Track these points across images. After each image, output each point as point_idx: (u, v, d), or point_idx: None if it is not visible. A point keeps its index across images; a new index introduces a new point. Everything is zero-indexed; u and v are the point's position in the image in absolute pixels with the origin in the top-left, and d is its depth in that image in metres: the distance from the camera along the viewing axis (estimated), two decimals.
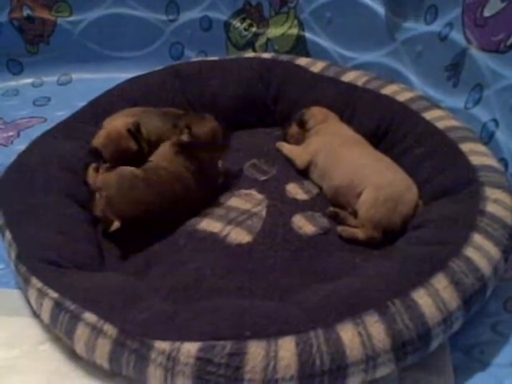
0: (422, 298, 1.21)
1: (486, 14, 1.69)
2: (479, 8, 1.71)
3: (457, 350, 1.34)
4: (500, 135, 1.67)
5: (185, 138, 1.65)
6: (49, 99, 2.51)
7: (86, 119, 1.97)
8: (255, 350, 1.11)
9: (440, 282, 1.24)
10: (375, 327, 1.16)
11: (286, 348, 1.12)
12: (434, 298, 1.22)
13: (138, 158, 1.65)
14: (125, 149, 1.65)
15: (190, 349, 1.13)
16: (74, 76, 2.63)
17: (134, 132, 1.67)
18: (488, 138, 1.70)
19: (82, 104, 2.10)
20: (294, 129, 1.91)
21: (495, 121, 1.69)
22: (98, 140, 1.65)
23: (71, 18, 2.57)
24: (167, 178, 1.61)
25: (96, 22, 2.58)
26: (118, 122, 1.71)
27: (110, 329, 1.22)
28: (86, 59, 2.60)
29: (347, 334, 1.14)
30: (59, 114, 2.28)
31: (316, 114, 1.87)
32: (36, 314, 1.41)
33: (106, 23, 2.57)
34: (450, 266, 1.27)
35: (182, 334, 1.16)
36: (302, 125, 1.86)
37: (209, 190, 1.70)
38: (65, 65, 2.61)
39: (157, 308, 1.26)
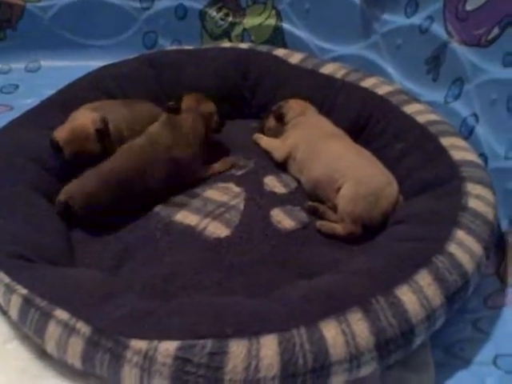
0: (405, 294, 1.19)
1: (468, 7, 1.68)
2: (461, 1, 1.70)
3: (437, 348, 1.32)
4: (480, 130, 1.66)
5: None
6: (16, 87, 2.42)
7: (54, 108, 1.88)
8: (237, 349, 1.07)
9: (424, 278, 1.22)
10: (359, 325, 1.13)
11: (269, 347, 1.08)
12: (417, 294, 1.20)
13: (97, 159, 1.60)
14: (87, 150, 1.60)
15: (168, 348, 1.09)
16: (43, 63, 2.54)
17: (102, 130, 1.61)
18: (468, 133, 1.69)
19: (51, 92, 2.02)
20: (271, 121, 1.87)
21: (475, 115, 1.68)
22: (61, 134, 1.59)
23: (41, 4, 2.49)
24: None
25: (67, 7, 2.49)
26: (85, 118, 1.64)
27: (82, 327, 1.17)
28: (56, 46, 2.52)
29: (330, 332, 1.11)
30: (27, 101, 2.20)
31: (294, 107, 1.83)
32: (3, 311, 1.35)
33: (78, 9, 2.49)
34: (433, 263, 1.25)
35: (159, 333, 1.12)
36: (281, 118, 1.82)
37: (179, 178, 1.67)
38: (33, 51, 2.52)
39: (132, 305, 1.20)
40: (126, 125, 1.69)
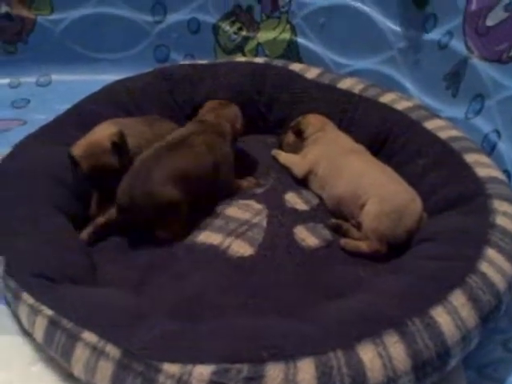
0: (440, 315, 1.17)
1: (489, 23, 1.67)
2: (481, 17, 1.69)
3: (470, 369, 1.30)
4: (502, 146, 1.65)
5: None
6: (28, 101, 2.40)
7: (71, 123, 1.87)
8: (273, 373, 1.05)
9: (458, 299, 1.20)
10: (395, 347, 1.11)
11: (306, 370, 1.06)
12: (452, 315, 1.17)
13: (116, 175, 1.56)
14: (104, 165, 1.56)
15: (202, 372, 1.06)
16: (54, 77, 2.54)
17: (119, 144, 1.59)
18: (490, 149, 1.68)
19: (62, 107, 2.01)
20: (290, 137, 1.86)
21: (497, 132, 1.67)
22: (78, 149, 1.56)
23: (52, 17, 2.48)
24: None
25: (78, 21, 2.49)
26: (101, 133, 1.62)
27: (112, 349, 1.14)
28: (67, 60, 2.51)
29: (367, 355, 1.09)
30: (39, 116, 2.19)
31: (313, 122, 1.82)
32: (27, 333, 1.32)
33: (89, 23, 2.49)
34: (467, 282, 1.23)
35: (193, 356, 1.09)
36: (300, 133, 1.81)
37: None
38: (44, 65, 2.52)
39: (163, 327, 1.18)
40: (146, 142, 1.67)
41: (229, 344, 1.10)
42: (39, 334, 1.24)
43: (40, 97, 2.44)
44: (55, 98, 2.37)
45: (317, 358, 1.07)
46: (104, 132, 1.62)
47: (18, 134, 1.89)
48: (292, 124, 1.86)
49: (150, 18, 2.47)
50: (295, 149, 1.83)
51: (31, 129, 1.89)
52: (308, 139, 1.80)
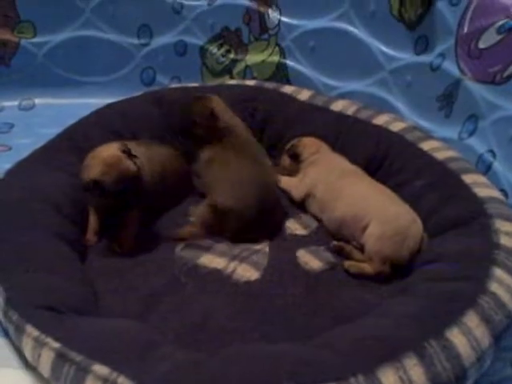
0: (456, 337, 1.17)
1: (481, 45, 1.70)
2: (473, 40, 1.72)
3: None
4: (498, 166, 1.67)
5: None
6: (11, 126, 2.34)
7: (62, 148, 1.83)
8: None
9: (472, 319, 1.20)
10: (415, 370, 1.10)
11: None
12: (467, 336, 1.17)
13: (137, 183, 1.53)
14: (126, 170, 1.51)
15: None
16: (37, 101, 2.49)
17: (128, 151, 1.56)
18: (485, 170, 1.70)
19: (47, 131, 1.98)
20: (285, 160, 1.86)
21: (492, 152, 1.69)
22: (95, 170, 1.51)
23: (35, 40, 2.44)
24: None
25: (63, 43, 2.46)
26: (107, 149, 1.58)
27: (125, 382, 1.10)
28: (51, 83, 2.46)
29: (389, 379, 1.08)
30: (24, 141, 2.16)
31: (308, 145, 1.82)
32: (28, 366, 1.27)
33: (73, 46, 2.46)
34: (479, 303, 1.23)
35: None
36: (296, 157, 1.81)
37: None
38: (27, 89, 2.46)
39: (177, 357, 1.15)
40: (148, 161, 1.64)
41: (247, 373, 1.08)
42: (45, 367, 1.19)
43: (23, 121, 2.38)
44: (39, 123, 2.33)
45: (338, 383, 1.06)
46: (109, 147, 1.58)
47: (4, 160, 1.85)
48: (287, 147, 1.86)
49: (135, 41, 2.45)
50: (291, 172, 1.83)
51: (17, 154, 1.85)
52: (304, 162, 1.80)
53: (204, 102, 1.78)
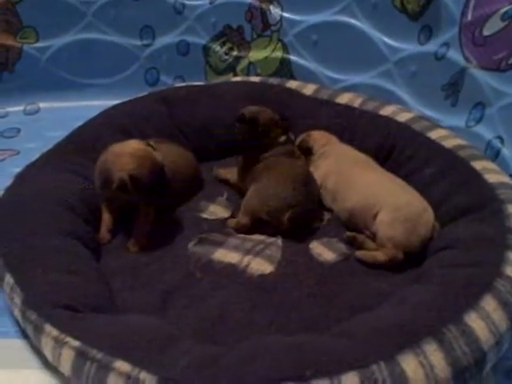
0: (474, 321, 1.17)
1: (486, 33, 1.71)
2: (477, 27, 1.73)
3: (498, 374, 1.30)
4: (506, 152, 1.68)
5: None
6: (18, 130, 2.35)
7: (71, 149, 1.84)
8: None
9: (489, 303, 1.20)
10: (435, 356, 1.10)
11: None
12: (485, 320, 1.18)
13: (165, 175, 1.54)
14: (157, 161, 1.52)
15: None
16: (42, 105, 2.50)
17: (151, 145, 1.56)
18: (494, 156, 1.70)
19: (54, 134, 1.99)
20: None
21: (500, 138, 1.70)
22: (128, 167, 1.48)
23: (38, 45, 2.45)
24: None
25: (65, 47, 2.47)
26: (130, 145, 1.56)
27: (147, 377, 1.11)
28: (55, 87, 2.48)
29: (410, 365, 1.08)
30: (31, 145, 2.17)
31: (318, 138, 1.83)
32: (47, 365, 1.28)
33: (76, 49, 2.47)
34: (495, 287, 1.24)
35: (233, 380, 1.07)
36: (308, 151, 1.81)
37: None
38: (31, 94, 2.48)
39: (197, 351, 1.15)
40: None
41: (269, 364, 1.08)
42: (66, 366, 1.20)
43: (29, 125, 2.39)
44: (45, 126, 2.34)
45: (360, 371, 1.06)
46: (129, 143, 1.58)
47: (13, 164, 1.86)
48: (297, 143, 1.86)
49: (138, 42, 2.46)
50: None
51: (25, 158, 1.85)
52: (315, 155, 1.80)
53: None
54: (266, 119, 1.75)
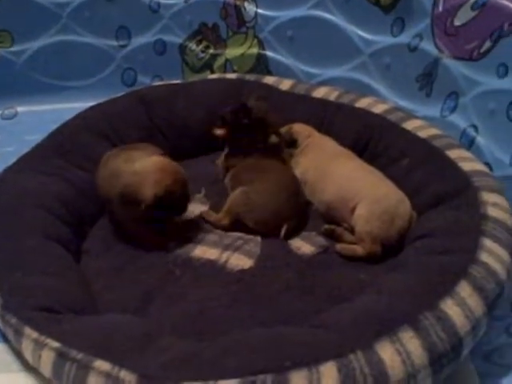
0: (450, 308, 1.18)
1: (457, 23, 1.73)
2: (449, 18, 1.75)
3: (477, 358, 1.32)
4: (481, 140, 1.70)
5: None
6: None
7: (50, 152, 1.82)
8: (298, 381, 1.04)
9: (465, 289, 1.22)
10: (412, 343, 1.12)
11: (329, 375, 1.05)
12: (461, 306, 1.19)
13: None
14: (183, 174, 1.52)
15: None
16: (20, 109, 2.48)
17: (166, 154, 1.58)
18: (468, 144, 1.72)
19: (31, 137, 1.97)
20: None
21: (474, 126, 1.71)
22: (160, 186, 1.45)
23: (13, 48, 2.43)
24: None
25: (41, 50, 2.44)
26: (153, 161, 1.52)
27: (127, 375, 1.11)
28: (32, 91, 2.45)
29: (387, 353, 1.09)
30: (9, 149, 2.15)
31: (300, 131, 1.84)
32: (29, 368, 1.28)
33: (52, 52, 2.44)
34: (470, 273, 1.25)
35: (213, 373, 1.07)
36: (293, 144, 1.81)
37: None
38: (8, 98, 2.44)
39: (177, 347, 1.16)
40: None
41: (248, 357, 1.09)
42: (46, 368, 1.20)
43: (7, 129, 2.37)
44: (23, 130, 2.31)
45: (338, 361, 1.07)
46: (155, 158, 1.54)
47: None
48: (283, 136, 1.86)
49: (114, 43, 2.44)
50: None
51: (3, 162, 1.83)
52: (297, 149, 1.81)
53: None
54: (273, 118, 1.77)
